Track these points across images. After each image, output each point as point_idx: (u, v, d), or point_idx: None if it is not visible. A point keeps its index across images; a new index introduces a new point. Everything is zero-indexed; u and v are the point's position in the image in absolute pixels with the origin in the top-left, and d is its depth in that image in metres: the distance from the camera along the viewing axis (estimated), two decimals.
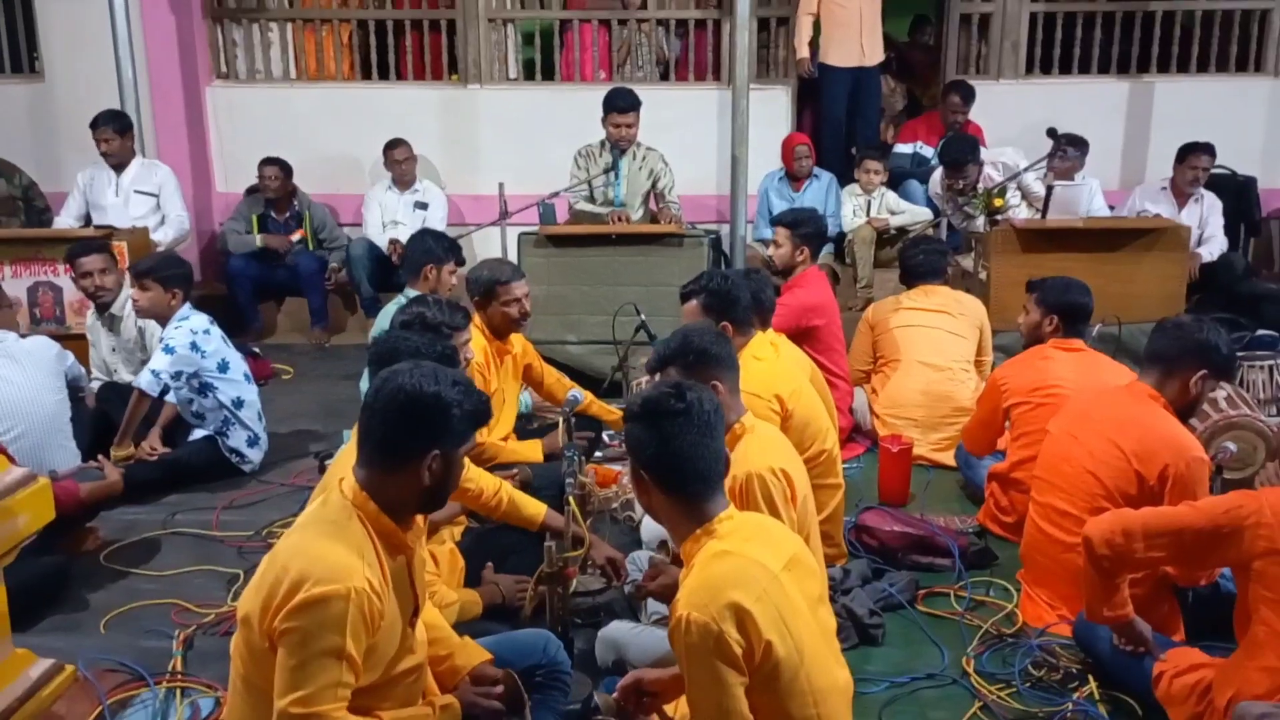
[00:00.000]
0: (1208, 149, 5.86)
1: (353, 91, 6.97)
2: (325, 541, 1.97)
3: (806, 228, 4.49)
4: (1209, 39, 6.89)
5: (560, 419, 3.82)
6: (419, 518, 2.16)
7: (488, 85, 6.89)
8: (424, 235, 4.51)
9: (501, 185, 5.46)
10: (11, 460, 2.66)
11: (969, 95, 6.49)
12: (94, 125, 5.83)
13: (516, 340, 4.07)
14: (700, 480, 2.04)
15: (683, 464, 2.03)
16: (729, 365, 2.70)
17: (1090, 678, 2.80)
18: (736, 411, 2.69)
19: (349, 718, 1.93)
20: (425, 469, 2.01)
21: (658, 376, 2.69)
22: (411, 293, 4.23)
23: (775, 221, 4.65)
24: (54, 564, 3.35)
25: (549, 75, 7.06)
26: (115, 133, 5.84)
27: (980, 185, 5.88)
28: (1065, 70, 6.92)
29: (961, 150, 5.95)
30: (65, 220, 5.97)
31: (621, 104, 5.68)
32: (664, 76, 7.06)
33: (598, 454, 4.26)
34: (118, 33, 6.04)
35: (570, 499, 2.98)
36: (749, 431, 2.67)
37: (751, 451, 2.60)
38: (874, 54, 6.61)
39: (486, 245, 6.02)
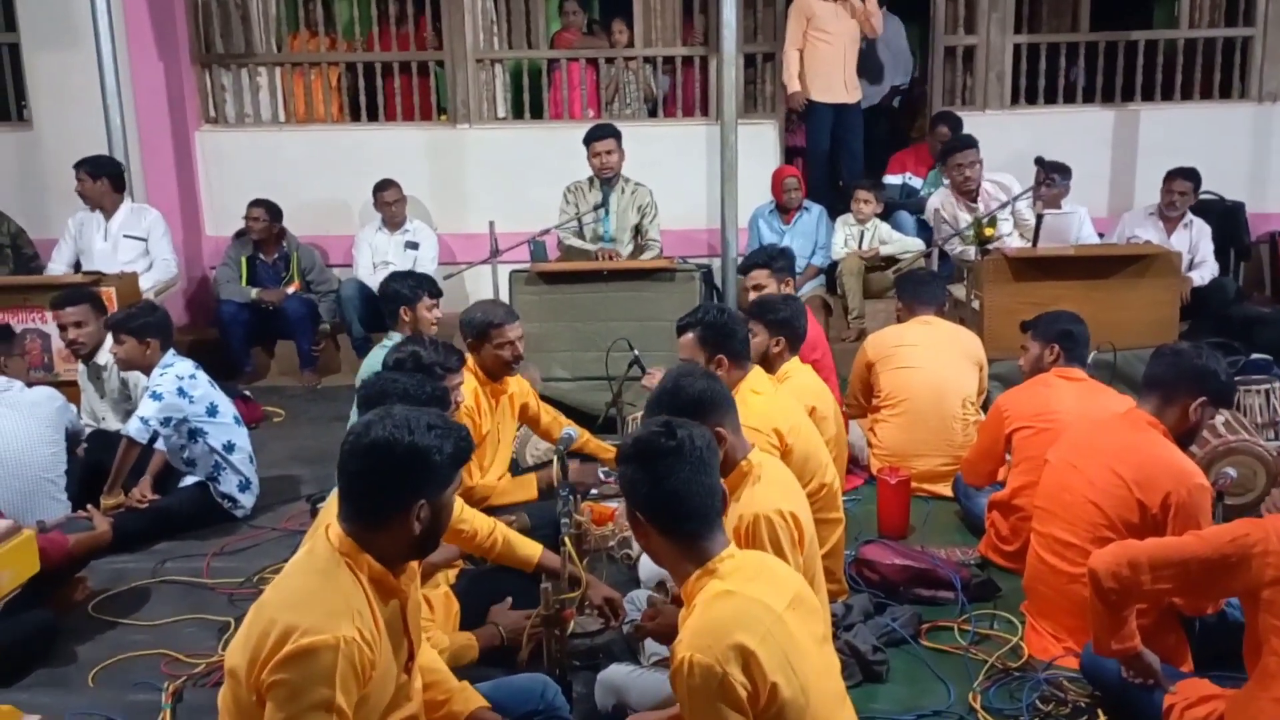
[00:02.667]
0: (1186, 173, 5.91)
1: (342, 134, 6.99)
2: (313, 591, 1.92)
3: (782, 261, 4.49)
4: (1192, 67, 6.96)
5: (554, 457, 3.78)
6: (412, 562, 2.12)
7: (476, 125, 6.91)
8: (388, 281, 4.53)
9: (492, 224, 5.45)
10: None
11: (957, 126, 6.54)
12: (75, 167, 5.84)
13: (513, 381, 4.04)
14: (697, 518, 2.01)
15: (678, 503, 1.99)
16: (726, 407, 2.63)
17: (1099, 712, 2.75)
18: (742, 450, 2.63)
19: None
20: (414, 520, 1.96)
21: None
22: (396, 335, 4.21)
23: (747, 266, 4.65)
24: (41, 617, 3.27)
25: (537, 114, 7.09)
26: (87, 174, 5.84)
27: (980, 202, 5.89)
28: (1050, 100, 6.97)
29: (963, 140, 5.98)
30: (56, 267, 5.96)
31: (598, 133, 5.77)
32: (652, 113, 7.10)
33: (594, 492, 4.21)
34: (105, 80, 6.05)
35: (566, 539, 2.93)
36: (755, 470, 2.61)
37: (759, 494, 2.55)
38: (855, 90, 6.68)
39: (478, 284, 6.02)
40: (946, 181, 6.07)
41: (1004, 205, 5.69)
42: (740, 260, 6.30)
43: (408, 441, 1.94)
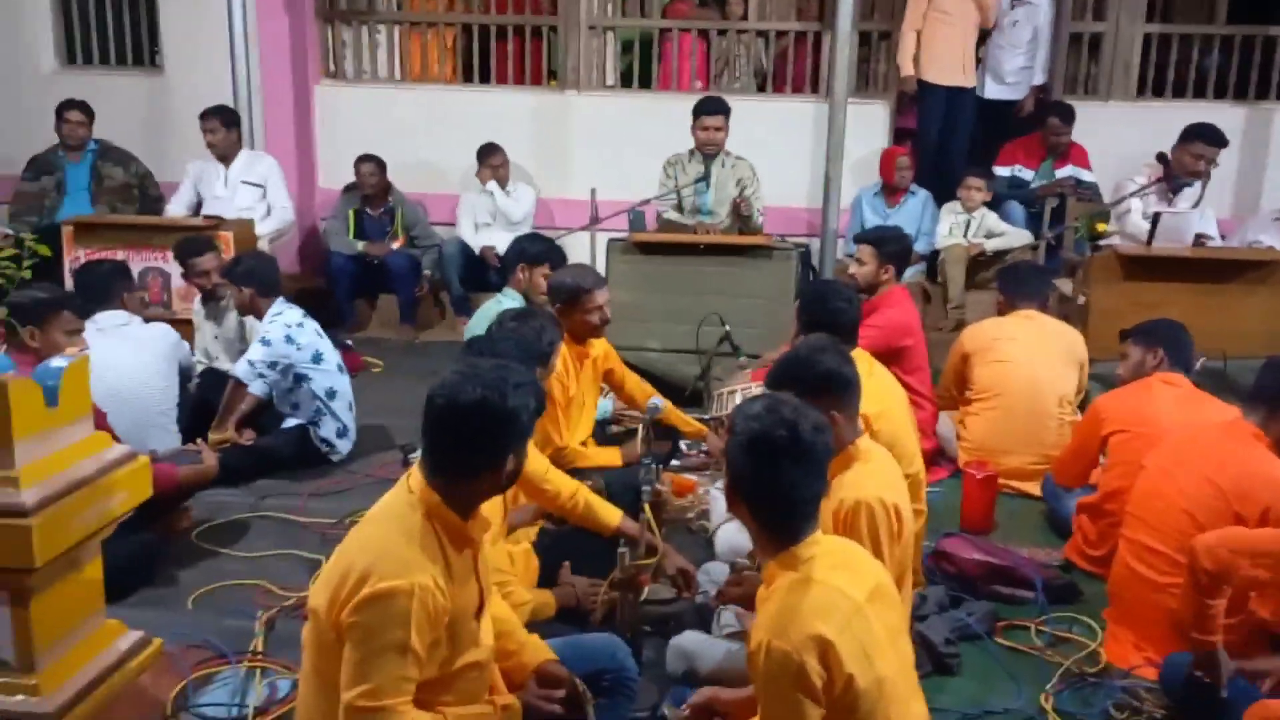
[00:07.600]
0: None
1: (453, 94, 7.10)
2: (391, 537, 2.00)
3: (891, 245, 4.41)
4: None
5: (640, 426, 3.82)
6: (485, 513, 2.18)
7: (585, 92, 6.95)
8: (520, 238, 4.64)
9: (593, 191, 5.49)
10: (116, 439, 2.76)
11: (1069, 116, 6.31)
12: (202, 116, 6.07)
13: (598, 344, 4.08)
14: (798, 515, 2.01)
15: (785, 500, 2.00)
16: (851, 391, 2.55)
17: None
18: (853, 434, 2.57)
19: (414, 711, 1.95)
20: (504, 472, 2.07)
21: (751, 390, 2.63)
22: (511, 293, 4.31)
23: (859, 239, 4.58)
24: (148, 541, 3.48)
25: (646, 84, 7.10)
26: (221, 124, 6.05)
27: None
28: (1179, 94, 6.68)
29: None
30: (176, 209, 6.21)
31: (712, 106, 5.74)
32: (761, 88, 7.04)
33: (674, 463, 4.25)
34: (234, 31, 6.27)
35: (646, 507, 2.98)
36: (862, 455, 2.54)
37: (864, 478, 2.49)
38: (972, 74, 6.50)
39: (575, 250, 6.07)
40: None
41: (1118, 201, 5.48)
42: (841, 242, 6.25)
43: (502, 404, 2.01)
